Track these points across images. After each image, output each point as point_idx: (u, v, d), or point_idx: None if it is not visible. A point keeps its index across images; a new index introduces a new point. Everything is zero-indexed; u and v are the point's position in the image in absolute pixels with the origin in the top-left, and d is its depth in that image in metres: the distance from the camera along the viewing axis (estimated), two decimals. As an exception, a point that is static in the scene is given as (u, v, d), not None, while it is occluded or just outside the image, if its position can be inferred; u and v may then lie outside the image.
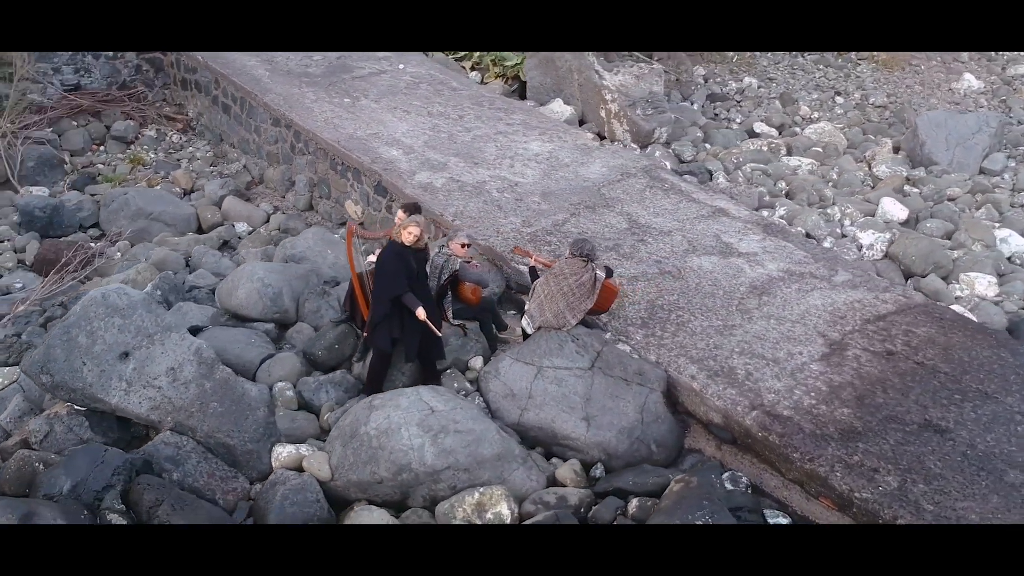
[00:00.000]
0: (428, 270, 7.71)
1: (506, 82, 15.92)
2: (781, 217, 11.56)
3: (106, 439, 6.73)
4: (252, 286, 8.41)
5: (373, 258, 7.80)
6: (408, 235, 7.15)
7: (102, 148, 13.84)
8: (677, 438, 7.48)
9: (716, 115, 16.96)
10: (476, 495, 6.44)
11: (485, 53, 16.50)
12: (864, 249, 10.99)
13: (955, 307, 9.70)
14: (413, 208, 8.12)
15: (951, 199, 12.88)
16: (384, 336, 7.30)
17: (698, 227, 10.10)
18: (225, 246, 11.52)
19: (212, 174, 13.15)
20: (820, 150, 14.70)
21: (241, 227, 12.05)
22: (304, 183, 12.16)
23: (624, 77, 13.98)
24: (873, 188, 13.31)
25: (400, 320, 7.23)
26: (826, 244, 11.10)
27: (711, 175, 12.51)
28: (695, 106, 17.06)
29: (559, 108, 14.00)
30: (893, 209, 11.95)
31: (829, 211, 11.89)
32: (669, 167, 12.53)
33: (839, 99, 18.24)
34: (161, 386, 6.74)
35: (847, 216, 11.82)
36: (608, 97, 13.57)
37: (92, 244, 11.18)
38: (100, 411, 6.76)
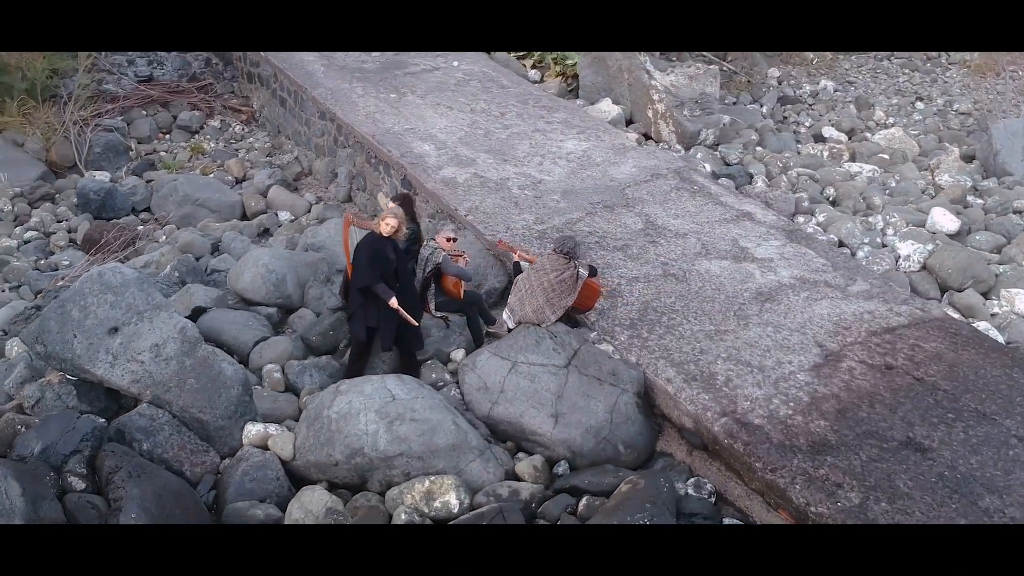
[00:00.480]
0: (417, 261, 7.87)
1: (565, 81, 15.93)
2: (818, 224, 11.21)
3: (92, 408, 7.13)
4: (257, 271, 8.74)
5: None
6: (385, 226, 7.31)
7: (168, 137, 14.58)
8: (647, 441, 7.40)
9: (784, 118, 16.54)
10: (426, 483, 6.55)
11: (547, 52, 16.56)
12: (901, 260, 10.55)
13: (983, 324, 9.24)
14: (403, 200, 8.30)
15: (1017, 212, 12.20)
16: (360, 325, 7.49)
17: (717, 230, 9.91)
18: (265, 233, 11.96)
19: (265, 164, 13.66)
20: (886, 157, 14.17)
21: (284, 216, 12.48)
22: (344, 175, 12.51)
23: (676, 77, 13.80)
24: (933, 197, 12.75)
25: (376, 309, 7.39)
26: (860, 254, 10.72)
27: (751, 179, 12.22)
28: (764, 108, 16.68)
29: (607, 107, 13.93)
30: (943, 220, 11.41)
31: (871, 220, 11.45)
32: (709, 169, 12.32)
33: (919, 104, 17.50)
34: (144, 361, 7.11)
35: (890, 225, 11.37)
36: (655, 97, 13.43)
37: (140, 227, 11.80)
38: (89, 381, 7.16)
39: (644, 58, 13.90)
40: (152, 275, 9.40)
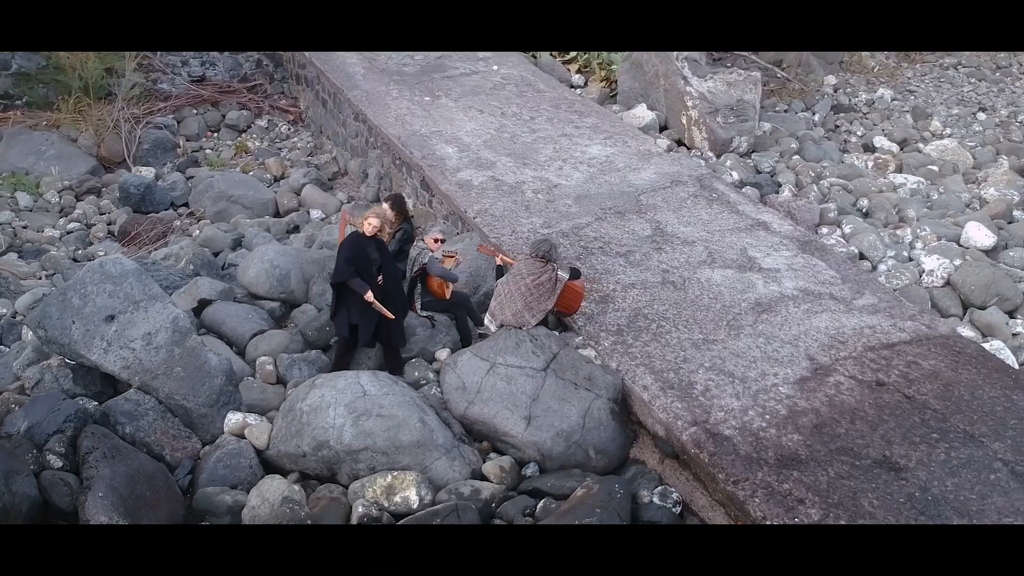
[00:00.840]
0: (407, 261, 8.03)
1: (608, 86, 15.92)
2: (841, 236, 10.95)
3: (87, 391, 7.48)
4: (262, 266, 9.01)
5: None
6: (368, 226, 7.48)
7: (216, 135, 15.11)
8: (620, 447, 7.38)
9: (836, 127, 16.21)
10: (389, 478, 6.67)
11: (593, 56, 16.57)
12: (924, 275, 10.24)
13: (998, 343, 8.91)
14: (394, 200, 8.46)
15: (1063, 229, 11.70)
16: (343, 321, 7.68)
17: (727, 239, 9.79)
18: (295, 231, 12.29)
19: (303, 164, 14.04)
20: (935, 168, 13.74)
21: (316, 214, 12.81)
22: (374, 175, 12.77)
23: (714, 84, 13.63)
24: (979, 210, 12.31)
25: (358, 306, 7.57)
26: (882, 267, 10.45)
27: (778, 188, 12.01)
28: (816, 116, 16.37)
29: (641, 113, 13.87)
30: (977, 235, 11.02)
31: (898, 232, 11.13)
32: (736, 177, 12.17)
33: (980, 115, 16.88)
34: (135, 348, 7.41)
35: (920, 239, 11.03)
36: (689, 103, 13.31)
37: (176, 221, 12.28)
38: (85, 366, 7.52)
39: (682, 64, 13.78)
40: (171, 267, 9.79)
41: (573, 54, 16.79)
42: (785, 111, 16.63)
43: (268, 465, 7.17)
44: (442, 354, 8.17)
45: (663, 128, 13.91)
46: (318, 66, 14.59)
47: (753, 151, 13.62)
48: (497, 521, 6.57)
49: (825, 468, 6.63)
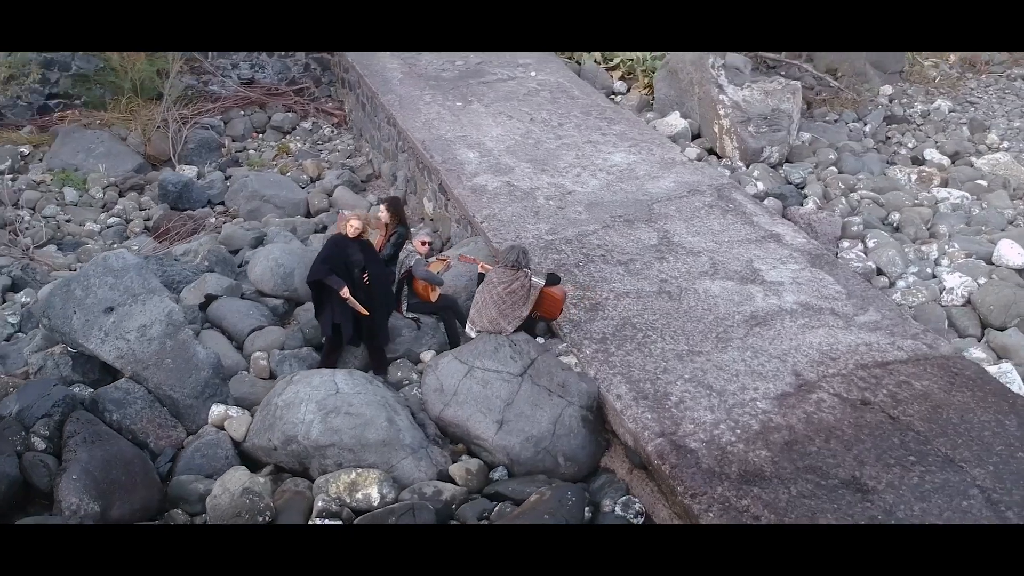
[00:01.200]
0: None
1: (650, 93, 15.83)
2: (862, 250, 10.68)
3: (85, 379, 7.86)
4: (267, 264, 9.29)
5: None
6: (349, 228, 7.66)
7: (261, 136, 15.57)
8: (590, 455, 7.38)
9: (887, 138, 15.80)
10: (353, 474, 6.82)
11: (637, 63, 16.50)
12: (944, 293, 9.91)
13: (1007, 366, 8.57)
14: (391, 203, 8.63)
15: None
16: (327, 321, 7.87)
17: (734, 251, 9.66)
18: (323, 230, 12.59)
19: (339, 165, 14.36)
20: (983, 183, 13.26)
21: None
22: (402, 178, 12.99)
23: (750, 92, 13.43)
24: (1020, 228, 11.84)
25: (340, 306, 7.76)
26: (901, 283, 10.14)
27: (803, 200, 11.76)
28: (867, 127, 15.98)
29: (673, 121, 13.76)
30: (1009, 253, 10.60)
31: (924, 248, 10.79)
32: (761, 188, 11.97)
33: (1043, 129, 16.19)
34: (130, 339, 7.75)
35: (947, 255, 10.67)
36: (721, 112, 13.15)
37: (211, 218, 12.72)
38: (84, 354, 7.89)
39: (718, 72, 13.62)
40: (188, 262, 10.16)
41: (617, 60, 16.76)
42: (835, 121, 16.28)
43: (245, 457, 7.40)
44: (427, 356, 8.30)
45: (696, 136, 13.78)
46: (358, 70, 14.91)
47: (787, 161, 13.38)
48: (453, 522, 6.64)
49: (788, 486, 6.51)
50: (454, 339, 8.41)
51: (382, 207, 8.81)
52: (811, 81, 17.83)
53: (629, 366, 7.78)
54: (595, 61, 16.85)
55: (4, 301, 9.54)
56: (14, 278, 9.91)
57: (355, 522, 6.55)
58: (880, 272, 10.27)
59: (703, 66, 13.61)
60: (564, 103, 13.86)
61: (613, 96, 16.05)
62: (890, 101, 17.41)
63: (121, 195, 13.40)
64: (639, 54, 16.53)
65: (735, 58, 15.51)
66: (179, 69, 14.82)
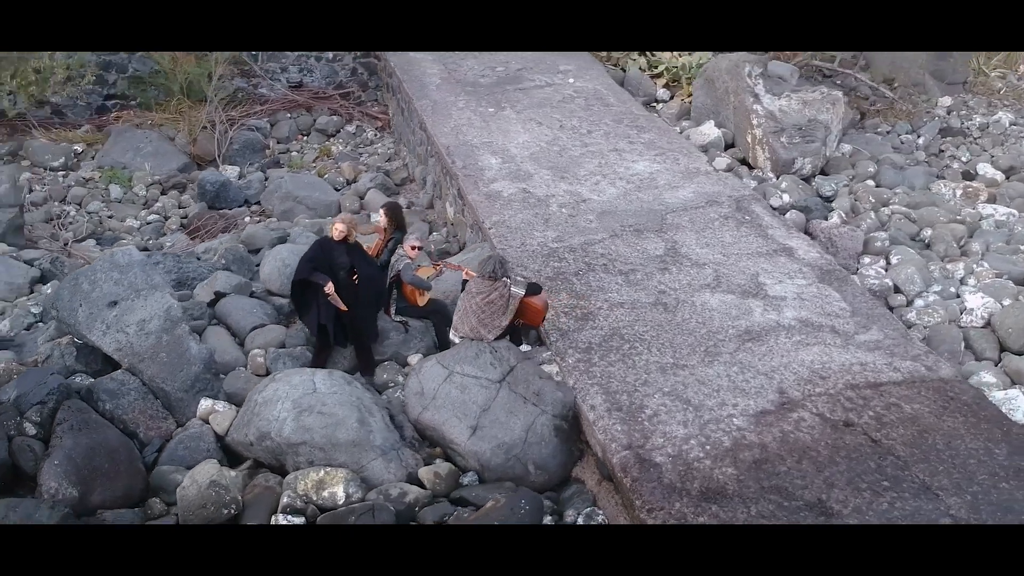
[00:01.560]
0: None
1: (691, 101, 15.65)
2: (882, 267, 10.37)
3: (88, 369, 8.20)
4: (274, 264, 9.53)
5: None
6: (335, 231, 7.84)
7: (305, 138, 15.96)
8: (561, 464, 7.37)
9: (940, 151, 15.31)
10: (321, 473, 6.96)
11: (682, 71, 16.34)
12: (964, 313, 9.55)
13: (1014, 391, 8.21)
14: (390, 208, 8.77)
15: None
16: (312, 322, 8.07)
17: (741, 263, 9.51)
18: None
19: (375, 168, 14.62)
20: (1034, 200, 12.74)
21: (375, 217, 13.27)
22: (430, 183, 13.16)
23: (788, 102, 13.16)
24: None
25: (326, 306, 7.94)
26: (919, 302, 9.82)
27: (828, 213, 11.47)
28: (920, 140, 15.52)
29: (707, 130, 13.59)
30: (1041, 273, 10.17)
31: (949, 267, 10.41)
32: (786, 200, 11.73)
33: (1111, 144, 15.41)
34: (129, 332, 8.07)
35: (974, 275, 10.28)
36: (755, 121, 12.93)
37: (247, 218, 13.11)
38: (88, 346, 8.25)
39: (755, 80, 13.40)
40: (207, 260, 10.51)
41: (661, 68, 16.62)
42: (887, 132, 15.84)
43: (228, 451, 7.62)
44: (413, 359, 8.41)
45: (729, 146, 13.58)
46: (399, 75, 15.15)
47: (822, 173, 13.07)
48: (413, 524, 6.72)
49: (749, 505, 6.41)
50: (443, 344, 8.50)
51: (381, 212, 8.96)
52: (866, 91, 17.40)
53: (609, 377, 7.74)
54: (640, 68, 16.76)
55: (32, 292, 10.02)
56: (43, 271, 10.41)
57: (317, 520, 6.68)
58: (897, 290, 9.95)
59: (739, 74, 13.41)
60: (597, 110, 13.83)
61: (654, 104, 15.95)
62: (948, 113, 16.84)
63: (163, 193, 13.92)
64: (684, 61, 16.39)
65: (780, 67, 15.25)
66: (223, 71, 15.28)
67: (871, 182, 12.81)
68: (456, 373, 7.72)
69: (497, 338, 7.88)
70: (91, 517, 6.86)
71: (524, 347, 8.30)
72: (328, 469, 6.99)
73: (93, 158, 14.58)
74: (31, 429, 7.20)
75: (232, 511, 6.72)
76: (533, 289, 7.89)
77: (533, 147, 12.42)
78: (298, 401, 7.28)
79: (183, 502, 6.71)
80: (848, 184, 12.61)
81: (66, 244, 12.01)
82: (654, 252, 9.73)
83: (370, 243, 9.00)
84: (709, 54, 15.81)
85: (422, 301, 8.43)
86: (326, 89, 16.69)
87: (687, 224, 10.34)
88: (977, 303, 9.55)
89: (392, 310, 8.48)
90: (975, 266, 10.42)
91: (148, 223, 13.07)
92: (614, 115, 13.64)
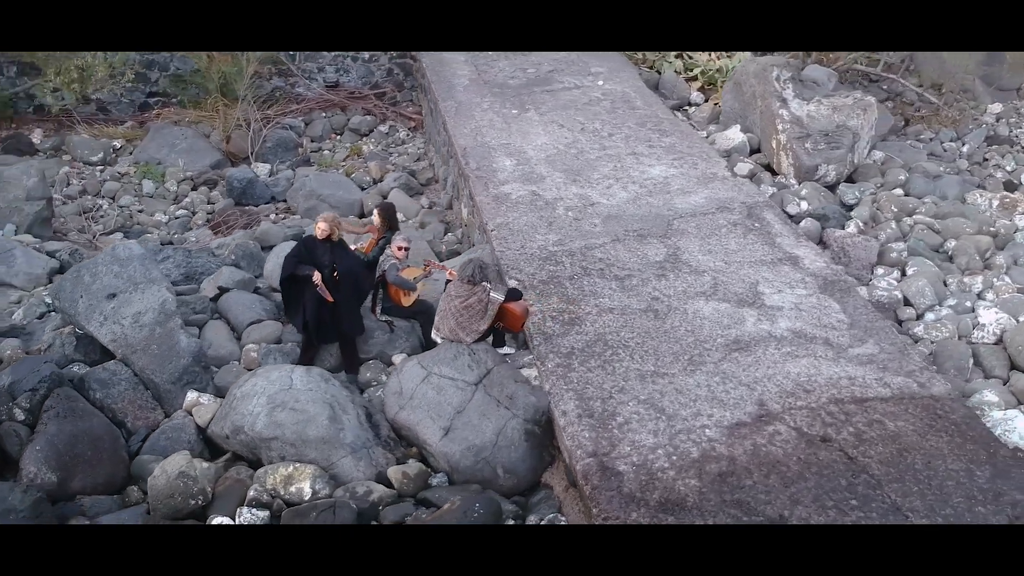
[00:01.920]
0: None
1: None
2: (895, 279, 10.07)
3: (86, 358, 8.48)
4: (276, 261, 9.69)
5: (353, 247, 8.78)
6: (318, 230, 7.97)
7: (339, 137, 16.18)
8: (531, 469, 7.35)
9: (984, 160, 14.82)
10: (290, 468, 7.08)
11: (720, 74, 16.11)
12: (976, 328, 9.23)
13: (1011, 412, 7.90)
14: (382, 209, 8.85)
15: None
16: (298, 319, 8.20)
17: (742, 271, 9.34)
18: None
19: (402, 168, 14.75)
20: (1077, 211, 12.23)
21: (398, 216, 13.45)
22: (450, 184, 13.23)
23: (816, 107, 12.85)
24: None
25: (311, 304, 8.06)
26: (929, 316, 9.52)
27: (845, 222, 11.17)
28: (964, 148, 15.05)
29: (732, 135, 13.37)
30: (1064, 289, 9.76)
31: (966, 280, 10.06)
32: (803, 208, 11.47)
33: None
34: (125, 324, 8.31)
35: (993, 289, 9.92)
36: (780, 127, 12.67)
37: (271, 214, 13.36)
38: (87, 336, 8.52)
39: (784, 85, 13.12)
40: (218, 256, 10.75)
41: (697, 71, 16.41)
42: (930, 140, 15.38)
43: (210, 443, 7.79)
44: (398, 358, 8.48)
45: (755, 151, 13.33)
46: (428, 75, 15.26)
47: (850, 180, 12.73)
48: (373, 523, 6.78)
49: (706, 519, 6.29)
50: (429, 344, 8.55)
51: (375, 212, 9.06)
52: (912, 97, 16.91)
53: (586, 383, 7.68)
54: (675, 71, 16.57)
55: (51, 282, 10.38)
56: (63, 262, 10.77)
57: (283, 514, 6.79)
58: (908, 303, 9.65)
59: (766, 78, 13.16)
60: (622, 113, 13.72)
61: (687, 108, 15.75)
62: (997, 120, 16.25)
63: (194, 189, 14.27)
64: (723, 63, 16.15)
65: (817, 71, 14.92)
66: (259, 71, 15.60)
67: (899, 191, 12.43)
68: (434, 374, 7.76)
69: (477, 340, 7.88)
70: (70, 502, 7.08)
71: (508, 350, 8.30)
72: (297, 465, 7.10)
73: (131, 154, 15.03)
74: (20, 415, 7.47)
75: (199, 502, 6.87)
76: (513, 295, 7.88)
77: (551, 149, 12.39)
78: (273, 397, 7.41)
79: (152, 491, 6.88)
80: (874, 193, 12.26)
81: (94, 236, 12.41)
82: (654, 258, 9.62)
83: (363, 243, 9.11)
84: (748, 57, 15.57)
85: (407, 301, 8.49)
86: (362, 89, 16.91)
87: (693, 230, 10.19)
88: (990, 318, 9.22)
89: (378, 310, 8.56)
90: (995, 280, 10.05)
91: (176, 218, 13.42)
92: (638, 118, 13.51)
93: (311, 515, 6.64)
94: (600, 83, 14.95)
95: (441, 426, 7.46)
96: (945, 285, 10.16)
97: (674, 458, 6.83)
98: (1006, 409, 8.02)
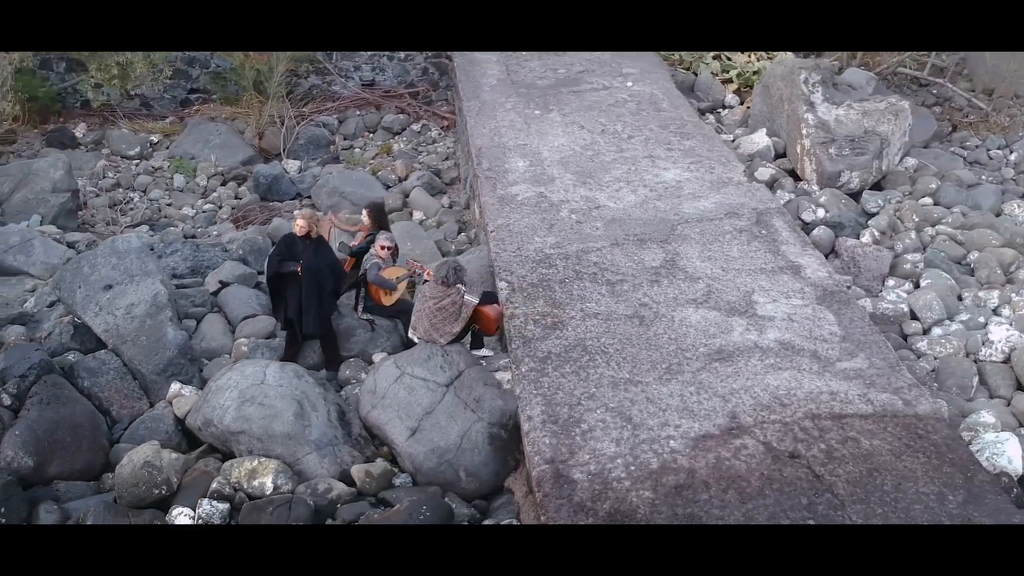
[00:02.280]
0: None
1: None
2: (905, 291, 9.72)
3: (82, 347, 8.74)
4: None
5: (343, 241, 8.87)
6: (297, 227, 8.07)
7: (371, 136, 16.34)
8: (493, 473, 7.32)
9: (1030, 169, 14.23)
10: (255, 462, 7.19)
11: (755, 76, 15.78)
12: (984, 345, 8.84)
13: (1003, 434, 7.54)
14: (371, 208, 8.91)
15: None
16: (281, 316, 8.31)
17: (739, 279, 9.12)
18: (390, 228, 13.06)
19: (427, 167, 14.82)
20: (1121, 224, 11.63)
21: (418, 216, 13.54)
22: (468, 183, 13.24)
23: (846, 111, 12.47)
24: None
25: (294, 301, 8.18)
26: (936, 331, 9.16)
27: (860, 231, 10.82)
28: (1013, 156, 14.45)
29: (758, 139, 13.08)
30: (1085, 307, 9.29)
31: (981, 295, 9.65)
32: (819, 215, 11.15)
33: None
34: (117, 315, 8.56)
35: (1010, 304, 9.49)
36: (804, 131, 12.34)
37: (296, 210, 13.55)
38: (85, 325, 8.78)
39: (812, 88, 12.77)
40: (226, 249, 10.96)
41: (733, 73, 16.10)
42: (976, 147, 14.80)
43: (188, 434, 7.95)
44: (378, 357, 8.52)
45: (780, 156, 13.01)
46: (457, 75, 15.30)
47: (878, 188, 12.33)
48: (329, 521, 6.83)
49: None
50: (409, 344, 8.56)
51: (365, 211, 9.12)
52: (962, 102, 16.30)
53: (557, 388, 7.59)
54: (711, 72, 16.29)
55: (67, 272, 10.72)
56: (80, 253, 11.11)
57: (242, 508, 6.89)
58: (915, 317, 9.30)
59: (793, 81, 12.83)
60: (646, 115, 13.53)
61: (720, 111, 15.48)
62: (1050, 128, 15.54)
63: (223, 184, 14.58)
64: (762, 65, 15.80)
65: (856, 74, 14.53)
66: (293, 68, 15.85)
67: (927, 199, 11.98)
68: (407, 374, 7.78)
69: (451, 342, 7.87)
70: (46, 487, 7.30)
71: (485, 352, 8.27)
72: (262, 459, 7.20)
73: (167, 148, 15.43)
74: (6, 400, 7.74)
75: (163, 492, 7.02)
76: (488, 298, 7.85)
77: (566, 151, 12.29)
78: (244, 391, 7.52)
79: (118, 479, 7.06)
80: (900, 201, 11.84)
81: (122, 228, 12.79)
82: (650, 263, 9.46)
83: (355, 241, 9.18)
84: (791, 58, 15.21)
85: (388, 301, 8.53)
86: (397, 88, 17.04)
87: (696, 236, 9.99)
88: (1000, 335, 8.81)
89: (360, 308, 8.62)
90: (1013, 295, 9.60)
91: (203, 212, 13.73)
92: (661, 121, 13.31)
93: (268, 510, 6.73)
94: (629, 84, 14.77)
95: (409, 426, 7.48)
96: (960, 299, 9.77)
97: (632, 468, 6.71)
98: (1000, 431, 7.66)
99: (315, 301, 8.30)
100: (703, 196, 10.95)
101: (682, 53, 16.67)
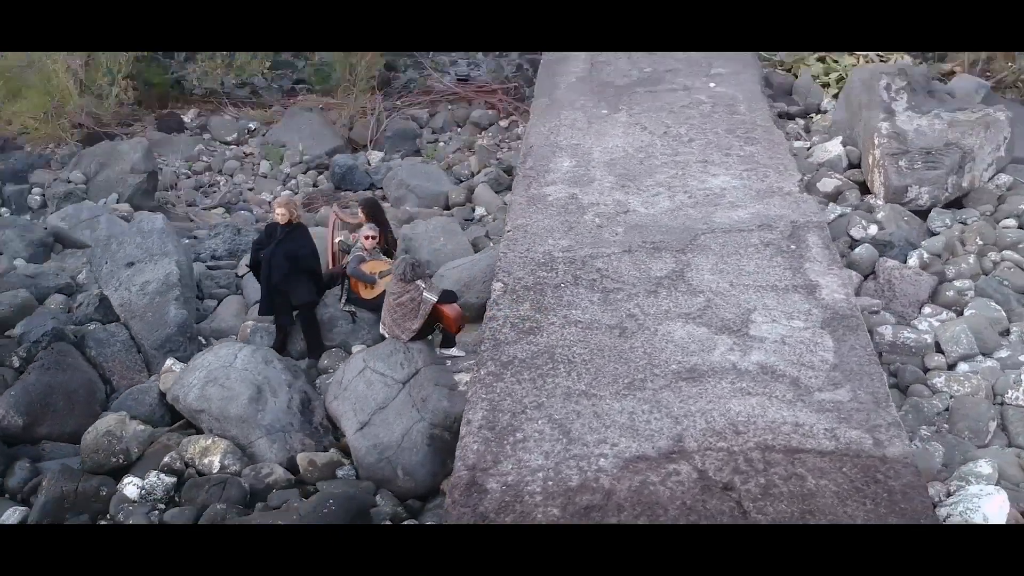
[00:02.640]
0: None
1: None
2: (938, 321, 8.89)
3: (103, 319, 9.38)
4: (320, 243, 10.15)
5: (341, 237, 9.09)
6: (277, 215, 8.34)
7: (459, 130, 16.52)
8: (430, 474, 7.33)
9: None
10: (208, 441, 7.52)
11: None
12: (1013, 387, 7.99)
13: (989, 487, 6.80)
14: (366, 204, 9.06)
15: None
16: (265, 305, 8.62)
17: (743, 296, 8.63)
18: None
19: (498, 162, 14.85)
20: None
21: (479, 211, 13.62)
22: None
23: (929, 121, 11.48)
24: None
25: (264, 289, 8.49)
26: (962, 367, 8.36)
27: (908, 253, 9.92)
28: None
29: (831, 147, 12.31)
30: None
31: (1016, 328, 8.70)
32: (869, 232, 10.36)
33: None
34: (132, 291, 9.14)
35: (1053, 342, 8.53)
36: (876, 141, 11.47)
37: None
38: (108, 298, 9.43)
39: (893, 95, 11.85)
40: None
41: (834, 76, 15.17)
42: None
43: (173, 409, 8.38)
44: (357, 348, 8.66)
45: (854, 167, 12.16)
46: (539, 72, 15.22)
47: (957, 205, 11.29)
48: (259, 504, 7.03)
49: (545, 551, 5.97)
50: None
51: (359, 207, 9.28)
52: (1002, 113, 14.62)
53: (507, 395, 7.46)
54: (812, 75, 15.42)
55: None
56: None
57: (186, 484, 7.21)
58: (939, 350, 8.49)
59: (872, 87, 11.95)
60: (717, 118, 12.97)
61: (813, 116, 14.65)
62: None
63: (304, 172, 15.18)
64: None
65: (965, 81, 13.39)
66: (383, 62, 16.29)
67: (1012, 221, 10.85)
68: (369, 368, 7.89)
69: (414, 339, 7.90)
70: (32, 446, 7.91)
71: (455, 352, 8.25)
72: (215, 439, 7.51)
73: (263, 135, 16.23)
74: (16, 362, 8.43)
75: (120, 460, 7.46)
76: (447, 297, 7.83)
77: (618, 152, 11.98)
78: (211, 372, 7.86)
79: (83, 445, 7.56)
80: (976, 220, 10.79)
81: (198, 208, 13.60)
82: (656, 273, 9.10)
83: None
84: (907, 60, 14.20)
85: (368, 294, 8.64)
86: (490, 83, 17.15)
87: (716, 247, 9.51)
88: (1032, 377, 7.93)
89: (343, 300, 8.78)
90: (1071, 334, 8.60)
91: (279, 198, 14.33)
92: (731, 124, 12.71)
93: (205, 487, 7.01)
94: (712, 85, 14.19)
95: (360, 420, 7.58)
96: (1006, 334, 8.83)
97: (550, 484, 6.52)
98: (991, 484, 6.91)
99: (293, 279, 8.52)
100: (742, 205, 10.40)
101: (781, 53, 15.86)
